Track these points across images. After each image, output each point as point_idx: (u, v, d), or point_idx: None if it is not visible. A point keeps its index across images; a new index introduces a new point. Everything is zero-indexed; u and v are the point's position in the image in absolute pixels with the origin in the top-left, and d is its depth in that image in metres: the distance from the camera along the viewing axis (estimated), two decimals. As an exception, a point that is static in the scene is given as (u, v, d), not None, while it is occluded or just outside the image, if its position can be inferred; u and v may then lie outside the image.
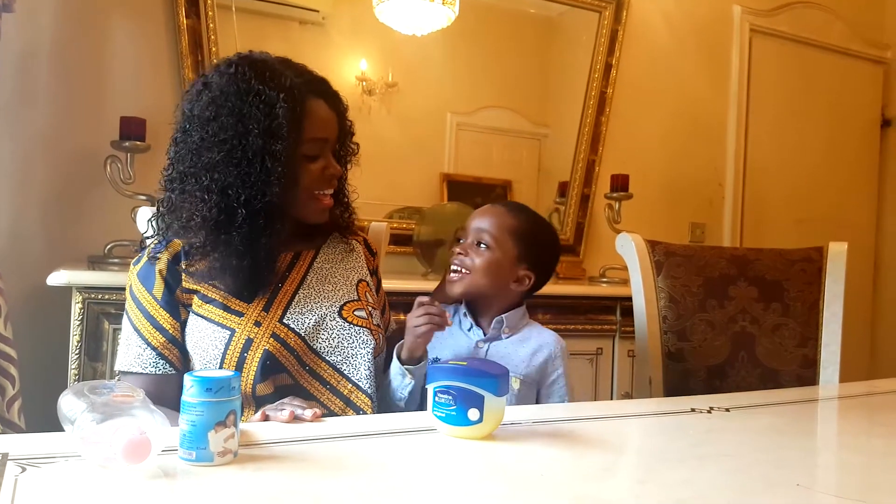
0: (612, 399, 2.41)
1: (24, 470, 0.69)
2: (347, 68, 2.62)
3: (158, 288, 1.12)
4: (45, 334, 2.02)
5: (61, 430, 0.78)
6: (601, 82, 2.97)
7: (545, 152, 3.06)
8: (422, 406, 1.14)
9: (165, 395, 1.04)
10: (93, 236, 2.13)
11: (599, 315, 2.47)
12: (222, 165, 1.07)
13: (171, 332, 1.12)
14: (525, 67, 3.01)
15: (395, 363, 1.17)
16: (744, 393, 1.45)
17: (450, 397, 0.89)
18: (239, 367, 1.08)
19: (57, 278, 1.78)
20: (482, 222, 1.29)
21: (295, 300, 1.16)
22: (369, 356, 1.16)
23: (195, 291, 1.13)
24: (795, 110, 3.50)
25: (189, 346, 1.12)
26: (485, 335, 1.27)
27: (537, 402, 1.25)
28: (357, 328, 1.17)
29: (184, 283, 1.13)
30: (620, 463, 0.90)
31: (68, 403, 0.78)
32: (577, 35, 3.03)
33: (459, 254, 1.28)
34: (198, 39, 2.28)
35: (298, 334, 1.13)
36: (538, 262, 1.30)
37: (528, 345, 1.26)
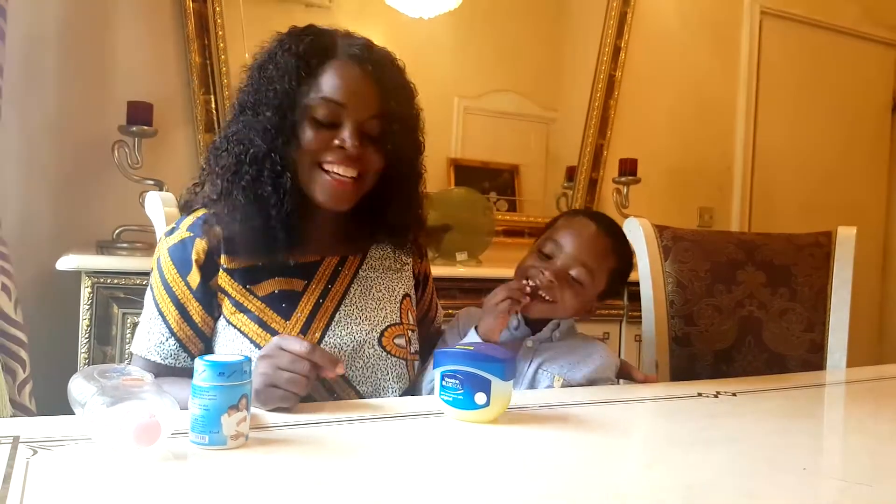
0: (618, 383, 2.41)
1: (35, 453, 0.70)
2: (354, 52, 2.60)
3: (194, 277, 1.04)
4: (54, 318, 2.03)
5: (72, 413, 0.79)
6: (610, 65, 2.95)
7: (553, 136, 3.05)
8: None
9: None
10: (101, 221, 2.14)
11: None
12: (238, 115, 1.05)
13: (200, 326, 1.05)
14: (533, 50, 2.99)
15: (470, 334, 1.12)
16: (750, 377, 1.45)
17: (457, 381, 0.89)
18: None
19: (66, 263, 1.79)
20: (585, 252, 1.14)
21: (335, 320, 1.08)
22: (399, 390, 1.12)
23: (229, 294, 1.05)
24: (805, 94, 3.47)
25: (217, 351, 1.06)
26: (532, 333, 1.18)
27: None
28: (395, 359, 1.11)
29: (220, 280, 1.05)
30: (627, 447, 0.91)
31: (78, 387, 0.79)
32: (585, 18, 3.00)
33: (550, 280, 1.12)
34: (204, 23, 2.28)
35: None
36: (614, 293, 1.24)
37: (579, 352, 1.17)
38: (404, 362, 1.13)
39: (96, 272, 1.83)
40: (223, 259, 1.05)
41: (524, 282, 1.12)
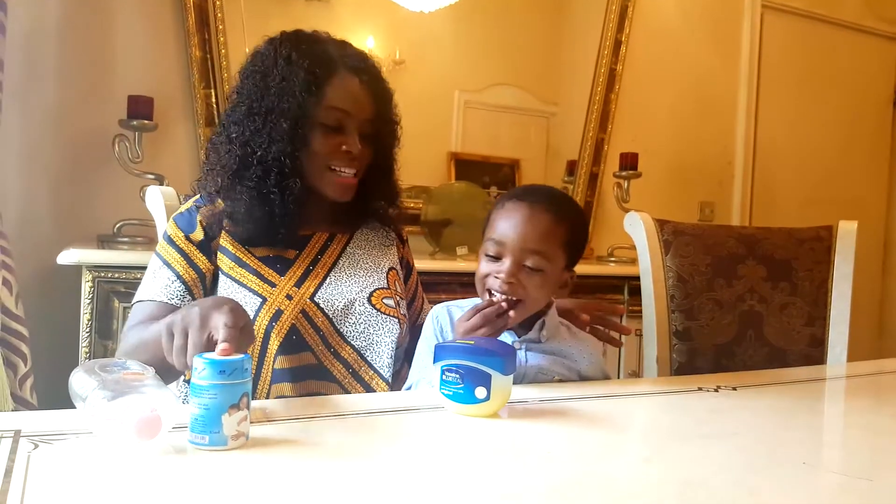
0: (619, 378, 2.41)
1: (36, 447, 0.70)
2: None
3: (198, 233, 1.14)
4: (55, 312, 2.03)
5: (73, 407, 0.79)
6: (611, 59, 2.94)
7: (554, 130, 3.05)
8: None
9: None
10: (102, 215, 2.14)
11: (607, 294, 2.47)
12: (244, 119, 1.13)
13: (204, 271, 1.13)
14: (534, 44, 2.99)
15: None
16: (751, 372, 1.45)
17: (457, 375, 0.89)
18: (265, 336, 1.09)
19: (67, 257, 1.79)
20: (529, 239, 1.04)
21: (326, 281, 1.17)
22: (393, 345, 1.17)
23: (228, 251, 1.14)
24: (807, 88, 3.46)
25: None
26: (518, 336, 1.11)
27: None
28: (384, 316, 1.18)
29: (222, 240, 1.15)
30: (627, 441, 0.91)
31: (79, 381, 0.79)
32: (586, 11, 3.00)
33: (508, 283, 1.04)
34: (204, 17, 2.27)
35: (327, 315, 1.14)
36: (580, 257, 1.15)
37: (570, 349, 1.13)
38: (396, 320, 1.18)
39: (97, 266, 1.84)
40: (226, 223, 1.15)
41: (493, 299, 1.05)
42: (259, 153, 1.11)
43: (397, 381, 1.19)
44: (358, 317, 1.16)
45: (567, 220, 1.08)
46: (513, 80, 2.92)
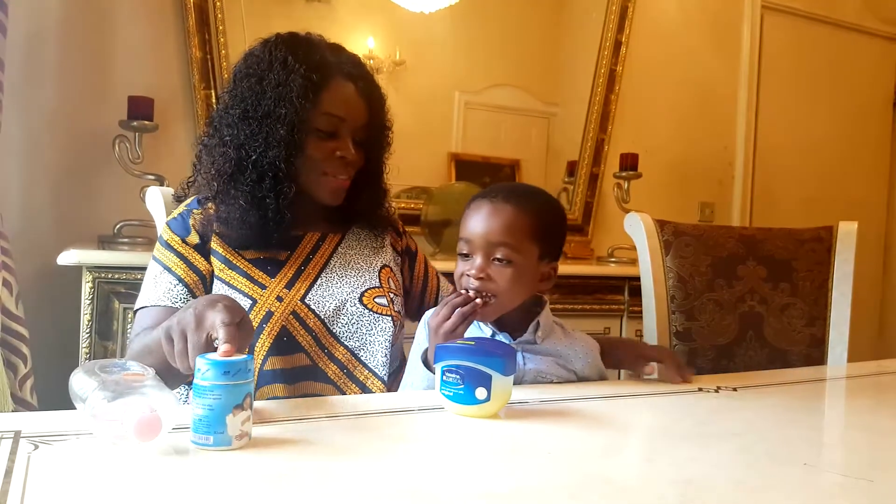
0: (619, 378, 2.41)
1: (36, 447, 0.70)
2: (354, 46, 2.58)
3: (193, 236, 1.15)
4: (55, 313, 2.03)
5: (73, 408, 0.79)
6: (611, 60, 2.94)
7: (554, 131, 3.05)
8: None
9: None
10: (102, 216, 2.14)
11: (607, 295, 2.47)
12: (239, 123, 1.13)
13: (204, 273, 1.14)
14: (534, 45, 2.99)
15: (424, 375, 1.04)
16: (751, 372, 1.45)
17: (457, 376, 0.89)
18: (255, 338, 1.09)
19: (67, 258, 1.79)
20: (492, 232, 1.06)
21: (317, 283, 1.17)
22: (386, 343, 1.17)
23: (219, 254, 1.15)
24: (807, 88, 3.46)
25: None
26: (513, 338, 1.11)
27: None
28: (377, 315, 1.18)
29: (213, 243, 1.15)
30: (627, 442, 0.91)
31: (79, 382, 0.79)
32: (586, 12, 3.00)
33: (478, 278, 1.05)
34: (205, 17, 2.27)
35: (318, 316, 1.14)
36: (558, 247, 1.15)
37: (564, 350, 1.13)
38: (389, 318, 1.18)
39: (97, 267, 1.84)
40: (215, 225, 1.15)
41: (463, 291, 1.06)
42: (254, 157, 1.11)
43: (397, 378, 1.19)
44: (350, 317, 1.16)
45: (531, 211, 1.08)
46: (513, 80, 2.92)
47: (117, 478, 0.66)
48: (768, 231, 1.71)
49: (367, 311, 1.17)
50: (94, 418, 0.71)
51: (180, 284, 1.12)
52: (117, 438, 0.70)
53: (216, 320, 0.83)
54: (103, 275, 1.84)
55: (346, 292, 1.18)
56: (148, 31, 2.28)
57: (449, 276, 2.13)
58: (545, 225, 1.09)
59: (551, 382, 1.11)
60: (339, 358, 1.15)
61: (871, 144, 3.71)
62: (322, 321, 1.14)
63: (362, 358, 1.16)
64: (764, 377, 1.34)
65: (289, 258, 1.18)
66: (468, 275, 1.07)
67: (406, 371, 1.13)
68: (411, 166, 2.73)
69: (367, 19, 2.66)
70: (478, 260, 1.06)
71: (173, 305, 1.10)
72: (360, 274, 1.21)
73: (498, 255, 1.06)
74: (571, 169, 2.98)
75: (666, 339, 1.59)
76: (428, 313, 1.12)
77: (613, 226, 2.89)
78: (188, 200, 1.20)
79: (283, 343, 1.11)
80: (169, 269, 1.13)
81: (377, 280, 1.22)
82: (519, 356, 1.09)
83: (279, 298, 1.12)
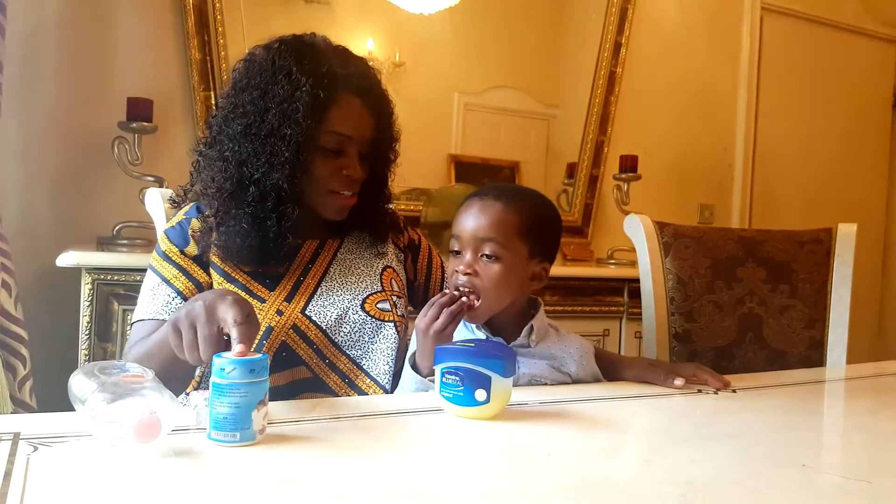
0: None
1: (35, 449, 0.70)
2: (354, 48, 2.56)
3: (192, 247, 1.12)
4: (55, 315, 2.03)
5: (72, 409, 0.79)
6: (610, 61, 2.94)
7: (553, 133, 3.05)
8: None
9: None
10: (101, 217, 2.14)
11: (607, 297, 2.47)
12: (241, 138, 1.08)
13: (203, 284, 1.11)
14: (534, 47, 2.99)
15: (413, 378, 1.04)
16: (750, 374, 1.45)
17: (457, 378, 0.89)
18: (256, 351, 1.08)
19: (66, 259, 1.79)
20: (480, 229, 1.07)
21: (318, 293, 1.14)
22: (389, 350, 1.15)
23: (217, 266, 1.12)
24: (806, 90, 3.47)
25: None
26: (507, 342, 1.10)
27: None
28: (379, 322, 1.16)
29: (211, 255, 1.12)
30: (627, 443, 0.91)
31: (79, 383, 0.79)
32: (586, 13, 3.00)
33: (466, 273, 1.06)
34: (204, 19, 2.27)
35: (320, 327, 1.12)
36: (549, 247, 1.14)
37: (559, 352, 1.13)
38: (392, 324, 1.16)
39: (96, 268, 1.84)
40: (213, 236, 1.11)
41: (448, 291, 1.06)
42: (257, 176, 1.07)
43: (397, 381, 1.18)
44: (352, 325, 1.14)
45: (520, 208, 1.08)
46: (513, 82, 2.93)
47: (117, 479, 0.65)
48: (768, 233, 1.71)
49: (369, 317, 1.15)
50: (94, 420, 0.71)
51: (178, 297, 1.09)
52: (117, 440, 0.70)
53: (228, 317, 0.83)
54: (102, 276, 1.84)
55: (348, 300, 1.15)
56: (147, 33, 2.28)
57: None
58: (534, 223, 1.09)
59: (545, 385, 1.11)
60: (341, 368, 1.13)
61: (869, 146, 3.72)
62: (324, 331, 1.12)
63: (364, 367, 1.14)
64: (763, 379, 1.34)
65: (287, 269, 1.15)
66: (457, 270, 1.07)
67: (402, 375, 1.13)
68: (410, 168, 2.72)
69: (367, 21, 2.66)
70: (466, 256, 1.08)
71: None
72: (360, 279, 1.19)
73: (486, 251, 1.06)
74: (571, 171, 2.98)
75: (665, 341, 1.59)
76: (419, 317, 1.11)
77: (613, 227, 2.89)
78: (186, 207, 1.17)
79: (283, 358, 1.09)
80: (167, 282, 1.10)
81: (379, 284, 1.20)
82: None
83: (279, 312, 1.10)
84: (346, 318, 1.14)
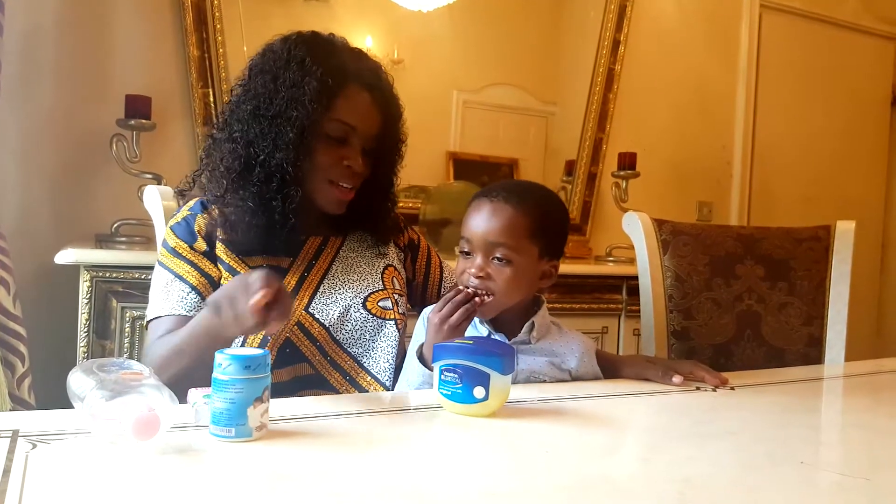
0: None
1: (34, 446, 0.70)
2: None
3: (201, 243, 1.13)
4: (53, 312, 2.03)
5: (71, 407, 0.79)
6: (609, 59, 2.94)
7: (552, 130, 3.05)
8: None
9: None
10: (100, 215, 2.14)
11: (605, 294, 2.47)
12: (250, 119, 1.11)
13: (215, 279, 1.12)
14: (532, 44, 2.99)
15: (420, 371, 1.04)
16: (749, 371, 1.45)
17: (455, 375, 0.89)
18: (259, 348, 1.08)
19: (65, 257, 1.79)
20: (491, 232, 1.07)
21: (320, 290, 1.15)
22: (390, 348, 1.16)
23: (223, 261, 1.13)
24: (805, 87, 3.46)
25: None
26: (508, 338, 1.11)
27: None
28: (381, 320, 1.17)
29: (217, 249, 1.13)
30: (625, 441, 0.91)
31: (77, 381, 0.79)
32: (585, 11, 3.00)
33: (478, 276, 1.07)
34: (202, 16, 2.27)
35: (323, 325, 1.13)
36: (558, 246, 1.15)
37: (559, 348, 1.14)
38: (393, 322, 1.17)
39: (95, 266, 1.83)
40: (219, 232, 1.13)
41: (463, 289, 1.07)
42: (262, 157, 1.09)
43: (397, 377, 1.18)
44: (354, 323, 1.15)
45: (531, 211, 1.09)
46: (511, 79, 2.92)
47: (115, 477, 0.65)
48: (766, 230, 1.72)
49: (371, 316, 1.16)
50: (93, 417, 0.71)
51: (193, 292, 1.09)
52: (115, 437, 0.70)
53: (257, 281, 0.87)
54: (101, 274, 1.84)
55: (350, 297, 1.16)
56: (145, 30, 2.27)
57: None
58: (545, 225, 1.10)
59: (544, 382, 1.11)
60: (343, 365, 1.14)
61: (868, 143, 3.71)
62: (326, 329, 1.13)
63: (365, 364, 1.15)
64: (761, 376, 1.35)
65: (291, 265, 1.16)
66: (468, 272, 1.08)
67: (404, 368, 1.13)
68: (409, 165, 2.72)
69: (365, 18, 2.65)
70: (478, 259, 1.08)
71: (188, 314, 1.08)
72: (362, 278, 1.20)
73: (497, 255, 1.07)
74: (570, 168, 2.98)
75: (664, 338, 1.60)
76: (427, 310, 1.12)
77: (611, 225, 2.88)
78: (190, 203, 1.18)
79: (286, 354, 1.10)
80: (181, 278, 1.10)
81: (380, 282, 1.21)
82: None
83: None
84: (349, 316, 1.15)
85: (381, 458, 0.74)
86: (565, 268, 2.41)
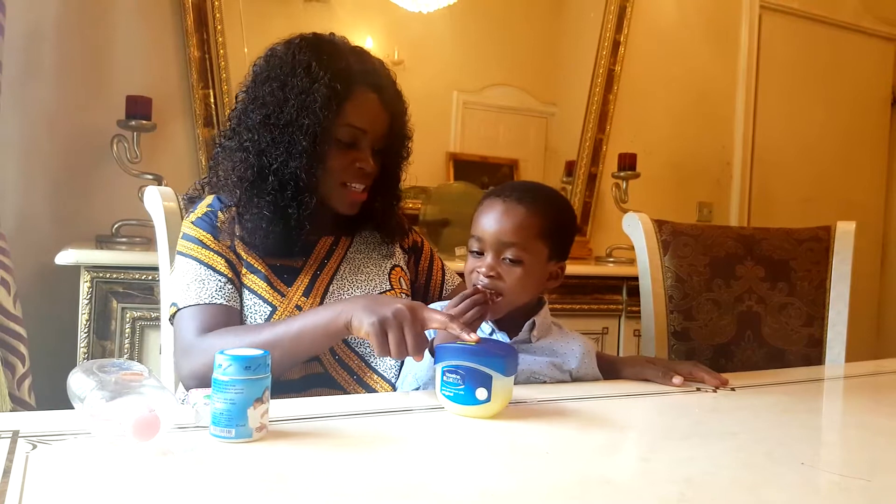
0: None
1: (34, 447, 0.70)
2: (353, 46, 2.60)
3: (225, 237, 1.13)
4: (54, 313, 2.03)
5: (71, 407, 0.79)
6: (609, 60, 2.94)
7: (552, 131, 3.05)
8: None
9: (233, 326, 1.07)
10: (100, 215, 2.14)
11: (605, 295, 2.47)
12: (260, 128, 1.11)
13: (239, 273, 1.12)
14: (532, 45, 2.99)
15: (431, 364, 1.03)
16: (749, 372, 1.45)
17: (458, 377, 0.89)
18: None
19: (65, 257, 1.79)
20: (503, 232, 1.07)
21: (330, 290, 1.16)
22: None
23: (242, 257, 1.13)
24: (805, 88, 3.46)
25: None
26: (509, 337, 1.12)
27: None
28: None
29: (236, 246, 1.14)
30: (626, 441, 0.91)
31: (78, 381, 0.79)
32: (585, 12, 3.00)
33: (488, 276, 1.07)
34: (203, 17, 2.27)
35: None
36: (566, 248, 1.16)
37: (560, 348, 1.15)
38: None
39: (95, 267, 1.83)
40: (237, 228, 1.14)
41: (476, 286, 1.07)
42: (275, 166, 1.10)
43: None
44: None
45: (542, 212, 1.10)
46: (511, 80, 2.92)
47: (116, 478, 0.65)
48: (766, 231, 1.72)
49: None
50: (93, 418, 0.71)
51: (229, 283, 1.10)
52: (116, 438, 0.70)
53: (433, 317, 0.93)
54: (101, 274, 1.84)
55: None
56: (146, 31, 2.27)
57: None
58: (556, 226, 1.11)
59: (544, 383, 1.11)
60: (350, 364, 1.14)
61: (868, 144, 3.71)
62: None
63: (372, 363, 1.15)
64: (762, 377, 1.34)
65: (304, 265, 1.17)
66: (478, 271, 1.08)
67: (406, 362, 1.13)
68: (410, 166, 2.72)
69: (366, 19, 2.65)
70: (488, 258, 1.08)
71: (227, 304, 1.08)
72: (370, 278, 1.21)
73: (508, 255, 1.08)
74: (570, 169, 2.98)
75: (664, 339, 1.60)
76: (435, 305, 1.11)
77: (612, 226, 2.88)
78: (208, 199, 1.18)
79: None
80: (214, 269, 1.10)
81: (388, 282, 1.22)
82: None
83: (298, 307, 1.11)
84: None
85: (382, 459, 0.74)
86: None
